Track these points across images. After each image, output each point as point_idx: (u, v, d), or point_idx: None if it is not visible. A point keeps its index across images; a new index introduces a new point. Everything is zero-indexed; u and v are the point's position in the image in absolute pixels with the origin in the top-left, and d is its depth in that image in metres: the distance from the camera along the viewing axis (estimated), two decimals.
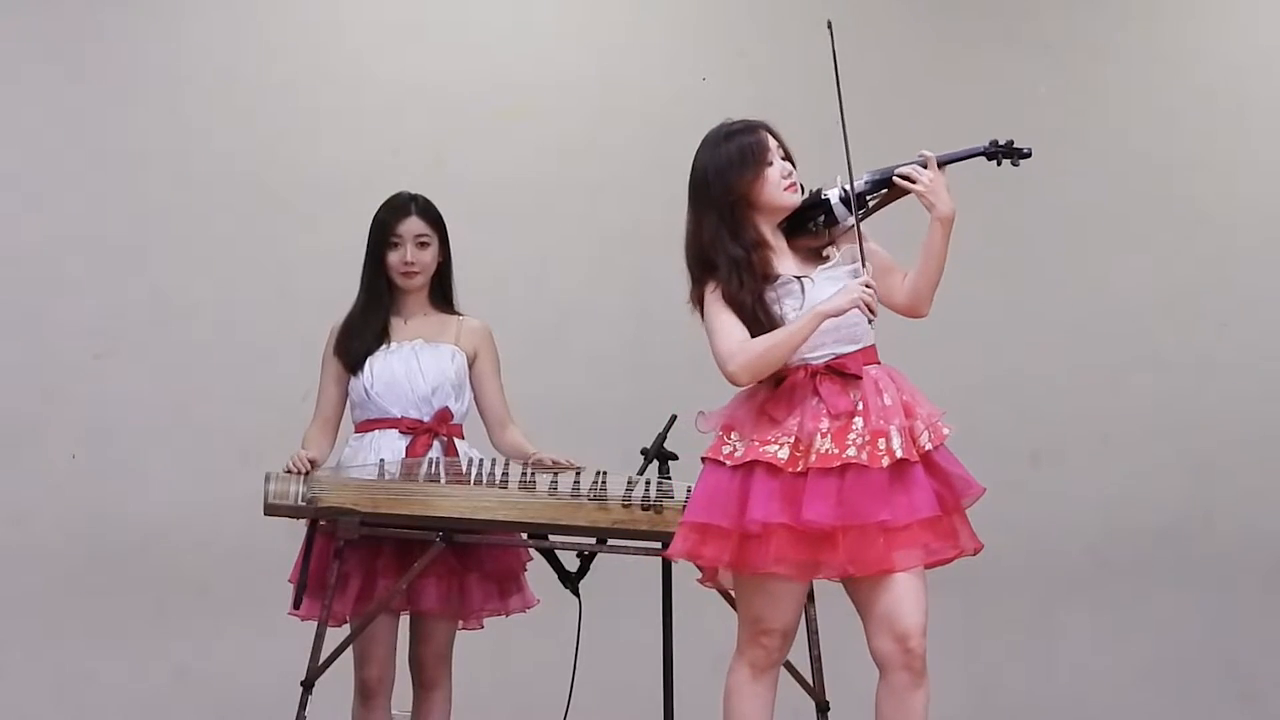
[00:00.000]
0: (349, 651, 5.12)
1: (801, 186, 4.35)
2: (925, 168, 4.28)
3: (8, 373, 6.56)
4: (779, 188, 4.31)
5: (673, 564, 5.01)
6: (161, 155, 6.69)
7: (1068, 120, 7.10)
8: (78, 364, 6.61)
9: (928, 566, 4.23)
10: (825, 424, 4.21)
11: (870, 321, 4.29)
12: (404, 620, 5.20)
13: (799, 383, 4.26)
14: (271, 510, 5.06)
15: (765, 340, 4.21)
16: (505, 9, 6.98)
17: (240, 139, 6.73)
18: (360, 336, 5.19)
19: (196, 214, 6.69)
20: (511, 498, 5.08)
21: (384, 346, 5.19)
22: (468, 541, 5.10)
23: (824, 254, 4.36)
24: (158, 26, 6.77)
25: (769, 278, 4.26)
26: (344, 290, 5.27)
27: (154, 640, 6.55)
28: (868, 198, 4.33)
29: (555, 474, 5.10)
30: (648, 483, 5.12)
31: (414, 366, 5.17)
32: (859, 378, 4.26)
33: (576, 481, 5.10)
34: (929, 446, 4.23)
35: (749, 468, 4.22)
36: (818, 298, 4.25)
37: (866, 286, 4.21)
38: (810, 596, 4.72)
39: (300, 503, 5.03)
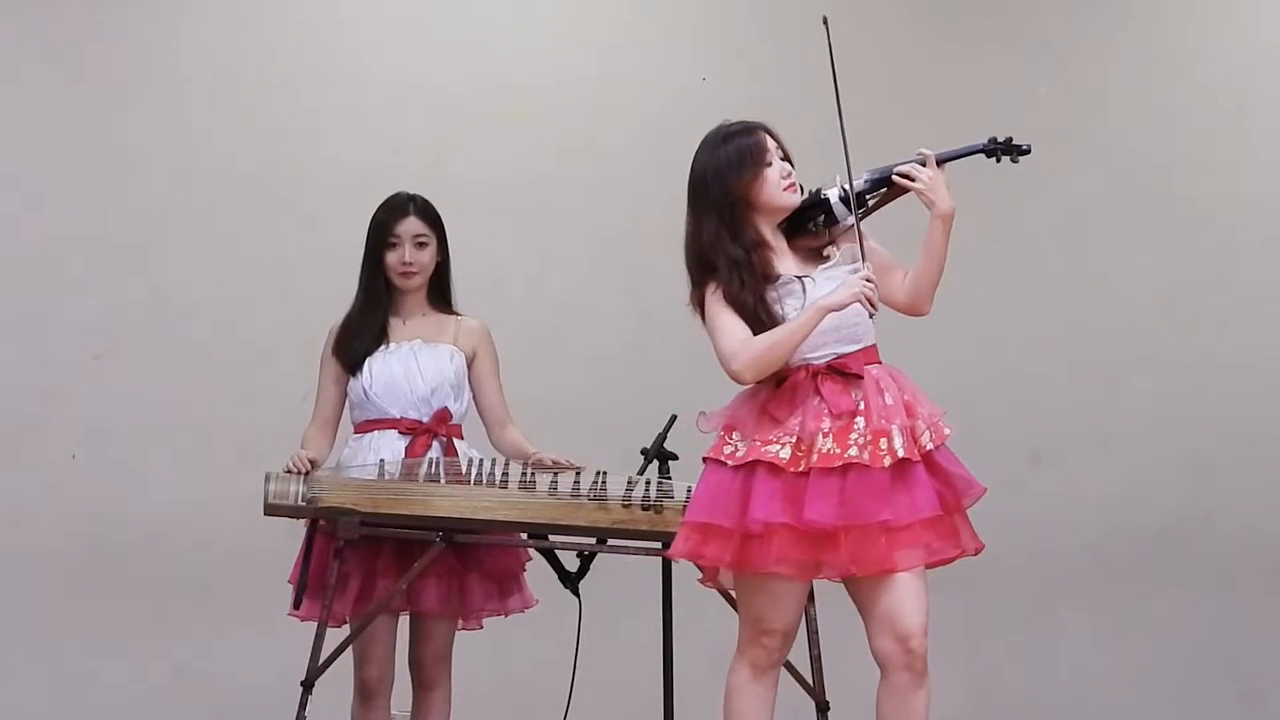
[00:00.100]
0: (349, 651, 5.12)
1: (801, 187, 4.35)
2: (924, 166, 4.28)
3: (8, 373, 6.56)
4: (778, 188, 4.31)
5: (673, 564, 5.01)
6: (161, 155, 6.69)
7: (1068, 120, 7.10)
8: (78, 364, 6.61)
9: (929, 566, 4.23)
10: (827, 424, 4.21)
11: (871, 315, 4.29)
12: (403, 620, 5.20)
13: (800, 382, 4.26)
14: (271, 510, 5.06)
15: (768, 337, 4.21)
16: (505, 9, 6.98)
17: (240, 139, 6.73)
18: (359, 337, 5.19)
19: (196, 214, 6.69)
20: (511, 498, 5.08)
21: (383, 347, 5.18)
22: (468, 541, 5.10)
23: (824, 254, 4.37)
24: (158, 26, 6.77)
25: (770, 278, 4.26)
26: (344, 290, 5.27)
27: (154, 640, 6.55)
28: (867, 197, 4.33)
29: (555, 474, 5.10)
30: (648, 483, 5.12)
31: (413, 367, 5.17)
32: (860, 377, 4.26)
33: (576, 481, 5.10)
34: (930, 446, 4.23)
35: (751, 468, 4.22)
36: (819, 296, 4.25)
37: (867, 281, 4.21)
38: (810, 596, 4.72)
39: (300, 503, 5.03)
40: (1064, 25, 7.22)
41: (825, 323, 4.23)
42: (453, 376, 5.19)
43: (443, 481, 5.06)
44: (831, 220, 4.34)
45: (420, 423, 5.14)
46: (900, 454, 4.18)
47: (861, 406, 4.23)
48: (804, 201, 4.35)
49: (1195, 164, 7.25)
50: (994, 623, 6.97)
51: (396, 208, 5.22)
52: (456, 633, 5.22)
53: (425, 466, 5.07)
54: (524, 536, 5.18)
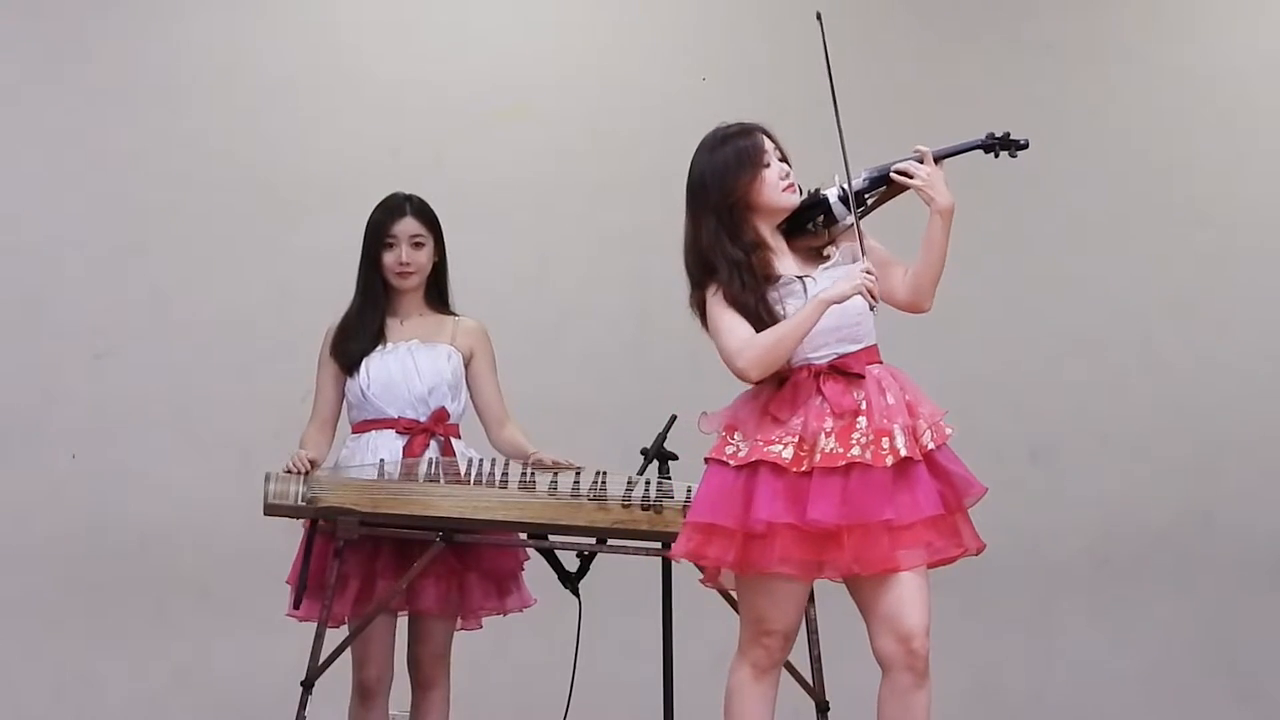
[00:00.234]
0: (348, 651, 5.12)
1: (800, 188, 4.35)
2: (921, 163, 4.28)
3: (8, 373, 6.56)
4: (777, 189, 4.31)
5: (673, 564, 5.01)
6: (161, 155, 6.69)
7: (1068, 120, 7.10)
8: (78, 364, 6.61)
9: (932, 566, 4.23)
10: (829, 423, 4.21)
11: (872, 308, 4.29)
12: (402, 620, 5.20)
13: (802, 382, 4.26)
14: (271, 510, 5.06)
15: (772, 333, 4.21)
16: (505, 8, 6.99)
17: (240, 139, 6.73)
18: (356, 338, 5.19)
19: (196, 214, 6.69)
20: (511, 498, 5.08)
21: (380, 347, 5.19)
22: (467, 541, 5.10)
23: (824, 253, 4.37)
24: (158, 26, 6.77)
25: (770, 278, 4.26)
26: (343, 290, 5.28)
27: (154, 640, 6.55)
28: (866, 195, 4.33)
29: (555, 474, 5.10)
30: (648, 483, 5.12)
31: (410, 367, 5.17)
32: (862, 377, 4.26)
33: (576, 481, 5.10)
34: (932, 446, 4.23)
35: (753, 468, 4.22)
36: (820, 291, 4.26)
37: (867, 273, 4.21)
38: (810, 597, 4.72)
39: (300, 503, 5.03)
40: (1064, 25, 7.22)
41: (826, 323, 4.23)
42: (450, 376, 5.20)
43: (443, 481, 5.06)
44: (831, 220, 4.34)
45: (418, 422, 5.15)
46: (903, 453, 4.18)
47: (863, 406, 4.23)
48: (803, 202, 4.35)
49: (1195, 164, 7.25)
50: (994, 623, 6.97)
51: (393, 208, 5.23)
52: (456, 633, 5.22)
53: (425, 466, 5.07)
54: (524, 536, 5.18)
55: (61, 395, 6.61)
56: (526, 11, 6.99)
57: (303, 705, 5.08)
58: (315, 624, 5.07)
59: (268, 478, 5.05)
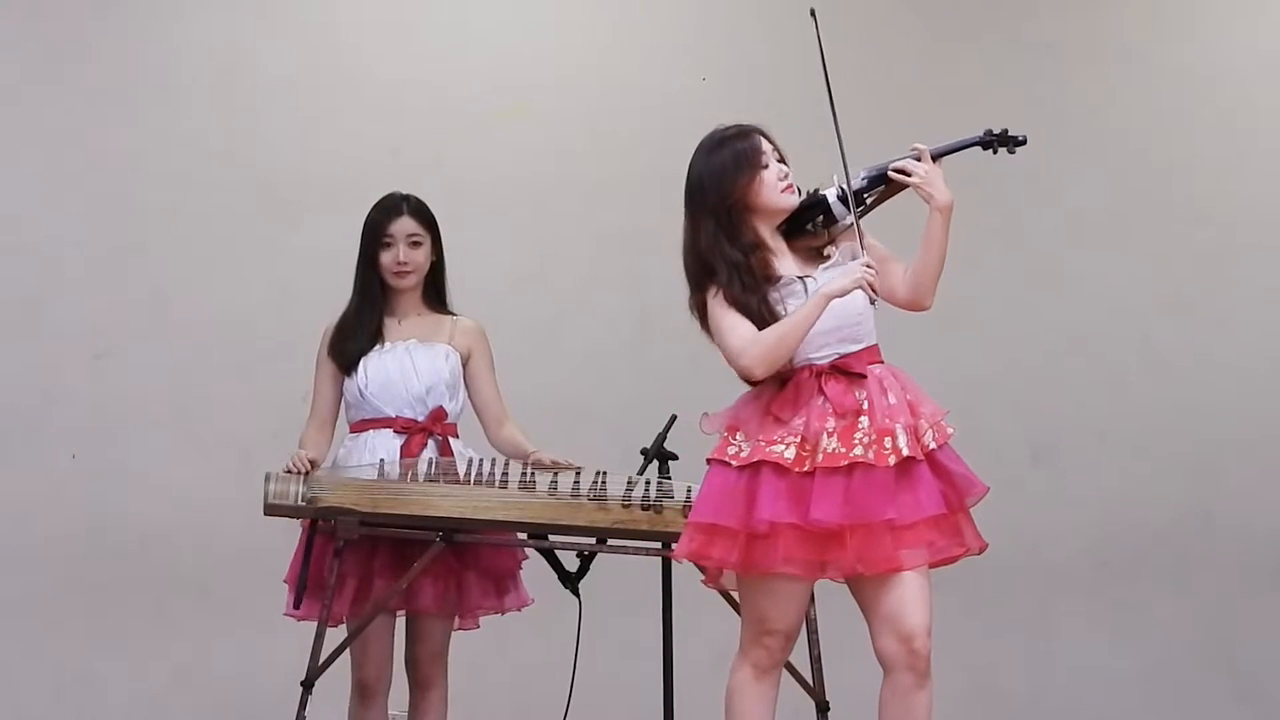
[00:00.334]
0: (348, 651, 5.12)
1: (799, 188, 4.35)
2: (919, 161, 4.28)
3: (8, 373, 6.56)
4: (776, 190, 4.31)
5: (673, 564, 5.01)
6: (162, 155, 6.69)
7: (1068, 120, 7.10)
8: (78, 364, 6.61)
9: (934, 565, 4.23)
10: (831, 423, 4.21)
11: (873, 302, 4.29)
12: (400, 620, 5.20)
13: (804, 382, 4.26)
14: (271, 510, 5.05)
15: (775, 330, 4.21)
16: (505, 8, 6.99)
17: (240, 139, 6.73)
18: (354, 337, 5.20)
19: (196, 214, 6.69)
20: (511, 498, 5.08)
21: (378, 347, 5.19)
22: (466, 541, 5.10)
23: (824, 253, 4.37)
24: (158, 26, 6.77)
25: (771, 279, 4.26)
26: (343, 290, 5.28)
27: (154, 640, 6.55)
28: (865, 194, 4.33)
29: (555, 474, 5.10)
30: (648, 483, 5.12)
31: (408, 366, 5.17)
32: (864, 376, 4.26)
33: (576, 481, 5.10)
34: (933, 445, 4.23)
35: (755, 468, 4.22)
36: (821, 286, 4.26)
37: (867, 267, 4.21)
38: (810, 597, 4.72)
39: (300, 503, 5.03)
40: (1064, 25, 7.22)
41: (827, 323, 4.23)
42: (448, 376, 5.20)
43: (442, 482, 5.06)
44: (830, 220, 4.34)
45: (416, 422, 5.15)
46: (905, 452, 4.18)
47: (865, 405, 4.23)
48: (802, 202, 4.35)
49: (1195, 163, 7.25)
50: (994, 623, 6.97)
51: (390, 208, 5.23)
52: (454, 632, 5.22)
53: (425, 466, 5.08)
54: (524, 536, 5.18)
55: (61, 395, 6.61)
56: (526, 11, 6.99)
57: (303, 705, 5.08)
58: (315, 624, 5.07)
59: (268, 478, 5.05)
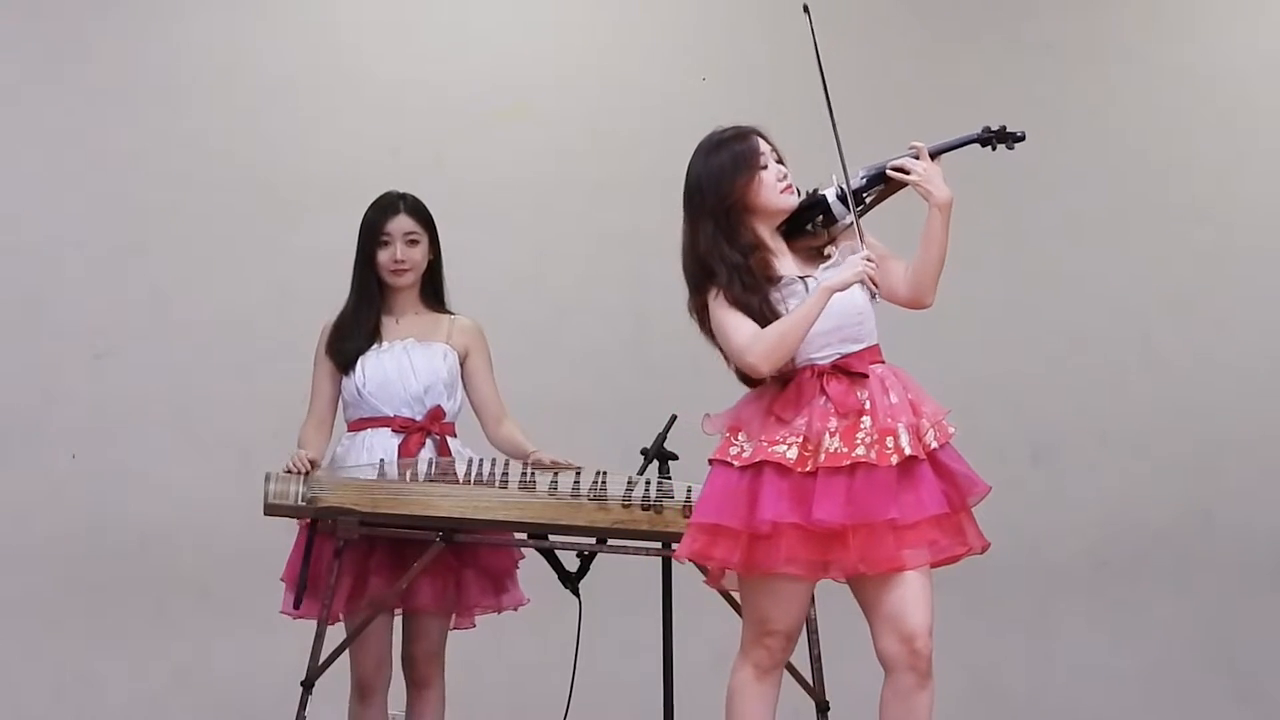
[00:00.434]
0: (347, 651, 5.12)
1: (798, 189, 4.35)
2: (917, 159, 4.28)
3: (8, 373, 6.56)
4: (775, 190, 4.31)
5: (673, 563, 5.01)
6: (162, 155, 6.69)
7: (1068, 120, 7.10)
8: (78, 364, 6.61)
9: (936, 565, 4.23)
10: (834, 423, 4.21)
11: (874, 295, 4.29)
12: (397, 619, 5.20)
13: (806, 382, 4.26)
14: (271, 510, 5.06)
15: (778, 326, 4.21)
16: (505, 8, 6.99)
17: (240, 139, 6.73)
18: (352, 336, 5.20)
19: (196, 214, 6.69)
20: (511, 498, 5.08)
21: (375, 346, 5.19)
22: (466, 540, 5.10)
23: (825, 253, 4.37)
24: (158, 26, 6.77)
25: (771, 279, 4.26)
26: (343, 290, 5.28)
27: (154, 640, 6.55)
28: (864, 193, 4.33)
29: (555, 474, 5.10)
30: (648, 483, 5.12)
31: (406, 365, 5.18)
32: (865, 376, 4.26)
33: (576, 481, 5.11)
34: (935, 445, 4.23)
35: (758, 468, 4.22)
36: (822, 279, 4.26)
37: (867, 260, 4.22)
38: (810, 597, 4.72)
39: (300, 503, 5.03)
40: (1064, 25, 7.22)
41: (828, 323, 4.23)
42: (446, 375, 5.20)
43: (442, 482, 5.06)
44: (830, 219, 4.34)
45: (414, 421, 5.15)
46: (907, 452, 4.18)
47: (867, 405, 4.23)
48: (802, 202, 4.35)
49: (1194, 163, 7.25)
50: (994, 622, 6.97)
51: (387, 206, 5.24)
52: (451, 632, 5.22)
53: (426, 466, 5.08)
54: (524, 536, 5.18)
55: (61, 395, 6.61)
56: (526, 11, 6.99)
57: (303, 705, 5.08)
58: (314, 624, 5.07)
59: (268, 478, 5.05)
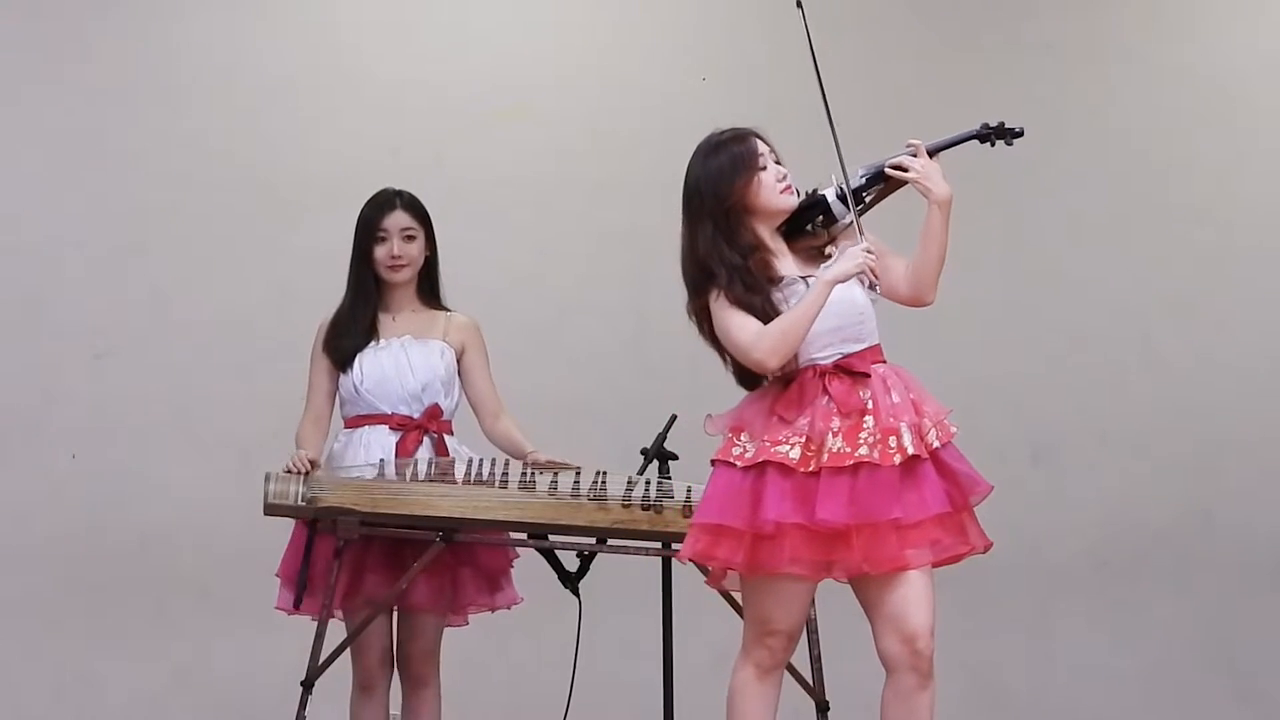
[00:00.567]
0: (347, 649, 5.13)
1: (797, 189, 4.35)
2: (915, 156, 4.28)
3: (8, 373, 6.56)
4: (775, 191, 4.31)
5: (673, 563, 5.01)
6: (161, 155, 6.69)
7: (1068, 120, 7.10)
8: (78, 364, 6.61)
9: (939, 564, 4.23)
10: (836, 423, 4.21)
11: (874, 288, 4.28)
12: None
13: (808, 382, 4.26)
14: (271, 510, 5.06)
15: (781, 321, 4.20)
16: (505, 8, 6.99)
17: (240, 139, 6.73)
18: (349, 334, 5.21)
19: (196, 214, 6.69)
20: (511, 498, 5.08)
21: (373, 343, 5.20)
22: (465, 540, 5.10)
23: (825, 253, 4.36)
24: (158, 26, 6.77)
25: (773, 280, 4.26)
26: (343, 290, 5.27)
27: (154, 640, 6.55)
28: (864, 192, 4.33)
29: (555, 474, 5.10)
30: (648, 483, 5.12)
31: (403, 363, 5.18)
32: (868, 376, 4.26)
33: (576, 481, 5.11)
34: (937, 444, 4.23)
35: (760, 468, 4.21)
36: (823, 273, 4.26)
37: (867, 252, 4.21)
38: (812, 597, 4.72)
39: (300, 502, 5.03)
40: (1064, 25, 7.22)
41: (829, 323, 4.23)
42: (443, 373, 5.21)
43: (442, 482, 5.06)
44: (830, 219, 4.34)
45: (411, 419, 5.15)
46: (910, 451, 4.18)
47: (870, 405, 4.23)
48: (801, 203, 4.35)
49: (1195, 164, 7.25)
50: (994, 623, 6.96)
51: (383, 203, 5.25)
52: (451, 632, 5.22)
53: (426, 467, 5.08)
54: (524, 536, 5.18)
55: (61, 395, 6.61)
56: (526, 11, 6.99)
57: (303, 705, 5.08)
58: (314, 623, 5.08)
59: (268, 478, 5.05)
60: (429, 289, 5.29)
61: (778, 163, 4.34)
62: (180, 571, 6.58)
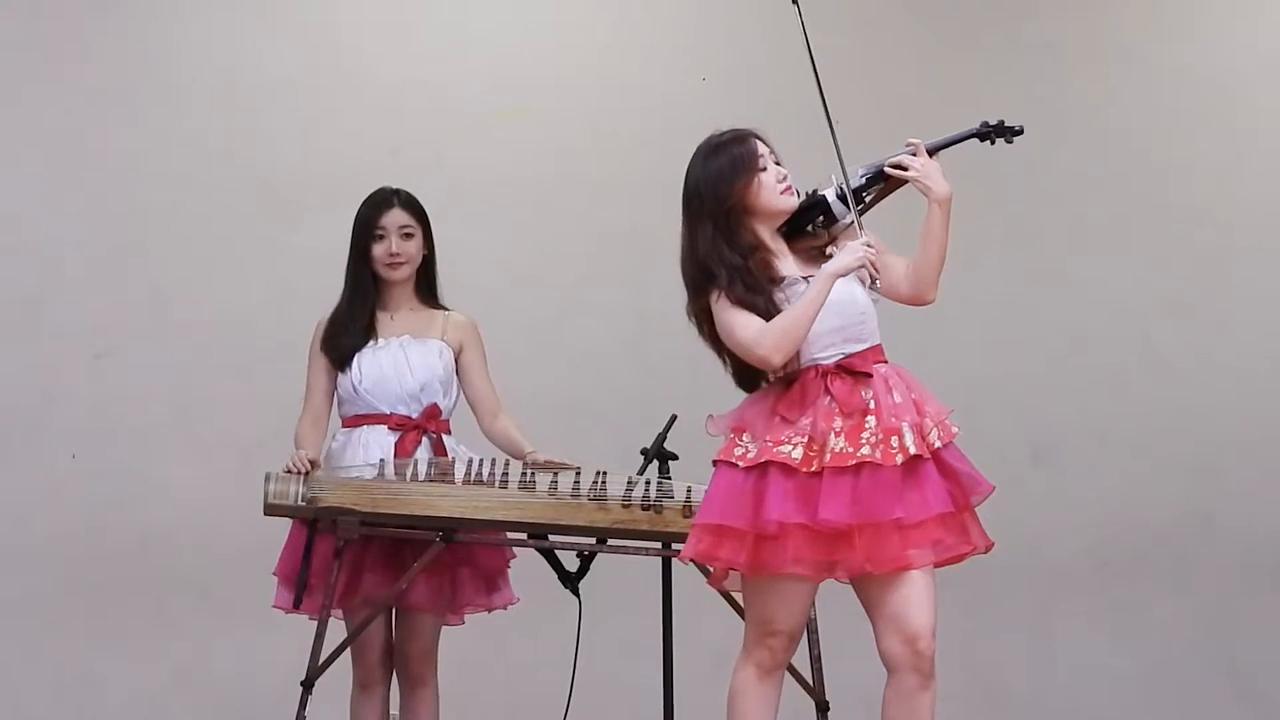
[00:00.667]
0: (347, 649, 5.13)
1: (797, 190, 4.35)
2: (915, 155, 4.28)
3: (8, 373, 6.56)
4: (775, 191, 4.31)
5: (673, 563, 5.01)
6: (161, 155, 6.69)
7: (1068, 120, 7.10)
8: (78, 364, 6.61)
9: (941, 564, 4.23)
10: (838, 423, 4.21)
11: (874, 284, 4.28)
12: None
13: (810, 382, 4.26)
14: (271, 510, 5.06)
15: (784, 317, 4.20)
16: (505, 8, 6.99)
17: (239, 139, 6.73)
18: (347, 333, 5.21)
19: (196, 214, 6.69)
20: (511, 498, 5.08)
21: (371, 343, 5.20)
22: (465, 540, 5.10)
23: (826, 253, 4.36)
24: (158, 26, 6.77)
25: (774, 280, 4.26)
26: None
27: (154, 640, 6.55)
28: (864, 192, 4.33)
29: (555, 474, 5.10)
30: (648, 483, 5.12)
31: (402, 363, 5.18)
32: (869, 375, 4.26)
33: (576, 481, 5.11)
34: (939, 444, 4.23)
35: (763, 469, 4.21)
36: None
37: (868, 245, 4.21)
38: (813, 597, 4.71)
39: (300, 503, 5.03)
40: (1064, 25, 7.22)
41: (831, 323, 4.23)
42: (442, 372, 5.21)
43: (442, 482, 5.06)
44: (831, 219, 4.34)
45: (409, 419, 5.16)
46: (912, 451, 4.18)
47: (872, 405, 4.23)
48: (802, 203, 4.35)
49: (1195, 164, 7.25)
50: (994, 623, 6.96)
51: (381, 201, 5.26)
52: (450, 633, 5.22)
53: (425, 467, 5.08)
54: (523, 536, 5.18)
55: (61, 395, 6.61)
56: (526, 11, 6.99)
57: (303, 705, 5.08)
58: (313, 623, 5.07)
59: (268, 478, 5.05)
60: (427, 288, 5.29)
61: (778, 163, 4.34)
62: (180, 571, 6.58)
